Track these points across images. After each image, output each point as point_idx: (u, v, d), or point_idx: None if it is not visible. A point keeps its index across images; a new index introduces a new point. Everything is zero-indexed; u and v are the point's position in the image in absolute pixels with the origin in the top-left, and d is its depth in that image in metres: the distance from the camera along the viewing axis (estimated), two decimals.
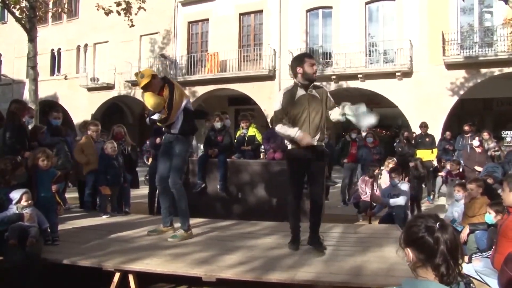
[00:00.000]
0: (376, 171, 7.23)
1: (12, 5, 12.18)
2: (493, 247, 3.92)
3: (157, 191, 6.92)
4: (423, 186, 9.71)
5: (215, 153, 6.70)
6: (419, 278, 1.57)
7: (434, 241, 1.52)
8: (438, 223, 1.56)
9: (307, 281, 3.30)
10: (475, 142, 8.49)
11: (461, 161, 8.76)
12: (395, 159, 8.07)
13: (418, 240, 1.56)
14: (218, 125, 6.95)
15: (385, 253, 3.86)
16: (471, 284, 1.61)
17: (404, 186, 6.50)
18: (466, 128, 9.78)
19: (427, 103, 15.50)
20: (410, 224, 1.63)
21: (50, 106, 15.85)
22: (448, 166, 8.88)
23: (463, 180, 7.73)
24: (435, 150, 9.90)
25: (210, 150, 6.76)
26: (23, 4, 12.22)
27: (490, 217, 4.35)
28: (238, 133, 7.49)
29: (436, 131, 13.39)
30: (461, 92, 15.23)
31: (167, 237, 4.57)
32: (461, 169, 8.37)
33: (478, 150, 8.41)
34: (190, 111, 4.69)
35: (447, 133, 11.22)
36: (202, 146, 7.61)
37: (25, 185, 4.14)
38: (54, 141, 6.33)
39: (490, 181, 6.24)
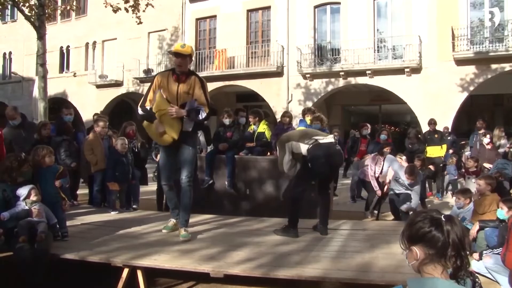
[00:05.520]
0: (387, 149, 7.04)
1: (22, 3, 12.27)
2: (504, 244, 3.87)
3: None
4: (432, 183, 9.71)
5: (226, 147, 6.70)
6: (424, 275, 1.52)
7: (445, 233, 1.48)
8: (443, 215, 1.53)
9: (314, 278, 3.30)
10: (485, 139, 8.40)
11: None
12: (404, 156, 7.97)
13: (426, 235, 1.51)
14: (226, 121, 6.96)
15: (393, 249, 3.83)
16: (477, 280, 1.58)
17: (417, 188, 6.20)
18: (479, 124, 9.72)
19: (436, 99, 15.35)
20: (413, 221, 1.57)
21: (60, 103, 16.02)
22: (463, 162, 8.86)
23: (474, 179, 7.67)
24: (444, 146, 9.82)
25: (221, 144, 6.75)
26: (32, 2, 12.29)
27: (503, 212, 4.29)
28: (249, 129, 7.47)
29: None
30: (471, 88, 15.06)
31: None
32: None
33: (488, 146, 8.33)
34: None
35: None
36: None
37: (30, 182, 4.14)
38: (56, 141, 6.33)
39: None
